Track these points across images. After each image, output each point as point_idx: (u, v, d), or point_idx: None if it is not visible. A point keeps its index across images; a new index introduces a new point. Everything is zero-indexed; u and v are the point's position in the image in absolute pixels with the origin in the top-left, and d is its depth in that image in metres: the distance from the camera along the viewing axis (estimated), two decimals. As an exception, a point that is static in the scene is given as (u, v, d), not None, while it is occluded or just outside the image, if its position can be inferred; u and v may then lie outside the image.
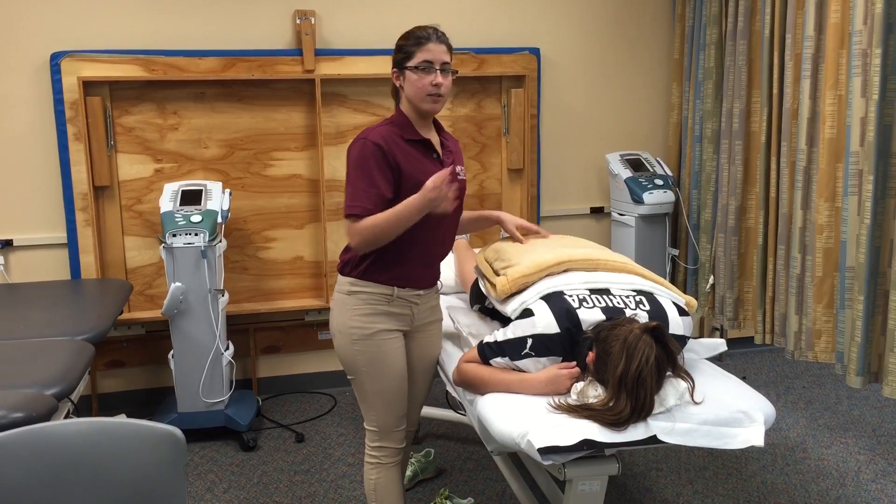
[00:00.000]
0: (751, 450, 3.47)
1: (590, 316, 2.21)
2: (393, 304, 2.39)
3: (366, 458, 2.51)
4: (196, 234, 3.43)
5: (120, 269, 3.91)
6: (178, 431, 1.76)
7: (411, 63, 2.31)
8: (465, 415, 3.36)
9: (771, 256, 3.73)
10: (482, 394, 2.26)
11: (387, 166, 2.27)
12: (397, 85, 2.38)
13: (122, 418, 1.83)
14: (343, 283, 2.41)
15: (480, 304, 2.78)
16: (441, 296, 3.18)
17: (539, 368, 2.22)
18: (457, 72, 2.41)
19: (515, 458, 3.11)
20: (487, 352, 2.29)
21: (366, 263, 2.36)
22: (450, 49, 2.38)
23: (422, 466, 3.30)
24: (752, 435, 2.02)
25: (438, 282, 2.57)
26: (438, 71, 2.31)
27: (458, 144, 2.58)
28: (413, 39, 2.34)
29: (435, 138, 2.44)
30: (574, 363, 2.19)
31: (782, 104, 3.59)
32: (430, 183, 2.19)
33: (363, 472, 2.56)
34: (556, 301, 2.26)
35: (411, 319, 2.46)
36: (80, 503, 1.72)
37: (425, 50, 2.31)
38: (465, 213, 2.67)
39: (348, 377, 2.46)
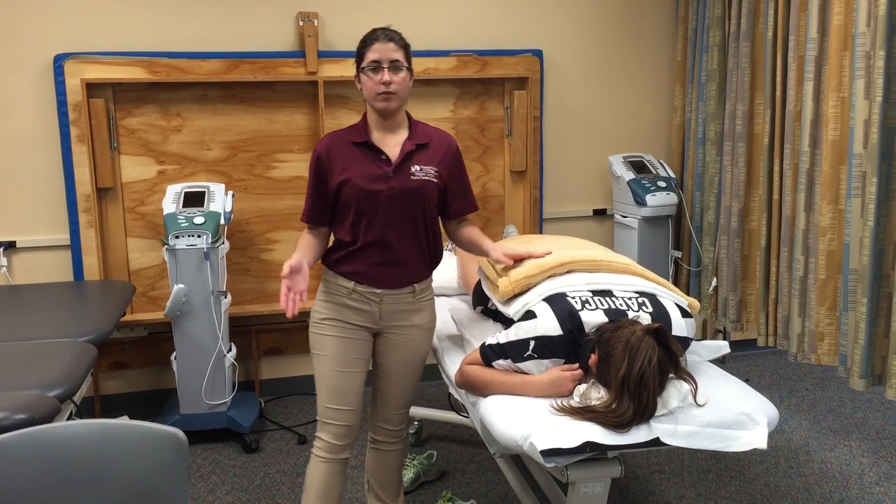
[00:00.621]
0: (754, 452, 3.45)
1: (592, 318, 2.21)
2: (351, 297, 2.45)
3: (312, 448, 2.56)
4: (199, 236, 3.44)
5: (123, 270, 3.91)
6: (180, 433, 1.76)
7: (363, 64, 2.37)
8: (467, 417, 3.36)
9: (774, 259, 3.73)
10: (484, 396, 2.26)
11: (319, 174, 2.41)
12: (358, 89, 2.43)
13: (124, 420, 1.83)
14: (324, 271, 2.53)
15: (483, 305, 2.78)
16: (444, 297, 3.19)
17: (541, 370, 2.22)
18: (410, 68, 2.41)
19: (518, 460, 3.11)
20: (490, 354, 2.29)
21: (334, 256, 2.47)
22: (403, 46, 2.39)
23: (424, 468, 3.30)
24: (755, 437, 2.02)
25: (417, 286, 2.50)
26: (386, 69, 2.33)
27: (448, 146, 2.49)
28: (362, 42, 2.40)
29: (394, 140, 2.42)
30: (576, 365, 2.19)
31: (785, 106, 3.59)
32: (286, 274, 2.26)
33: (367, 459, 2.69)
34: (558, 303, 2.25)
35: (374, 318, 2.47)
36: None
37: (373, 50, 2.36)
38: (470, 231, 2.60)
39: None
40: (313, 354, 2.50)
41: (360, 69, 2.39)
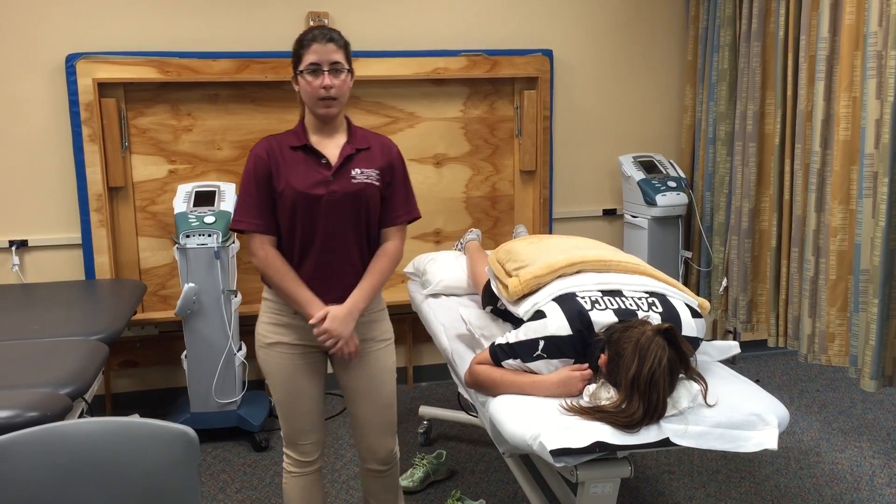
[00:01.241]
0: (764, 453, 3.45)
1: (602, 318, 2.21)
2: (296, 316, 2.34)
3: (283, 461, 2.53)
4: (209, 235, 3.45)
5: (134, 269, 3.93)
6: (191, 431, 1.76)
7: (301, 67, 2.25)
8: (476, 416, 3.36)
9: (784, 259, 3.71)
10: (494, 395, 2.26)
11: (263, 177, 2.28)
12: (296, 91, 2.31)
13: (135, 418, 1.84)
14: (265, 290, 2.42)
15: (492, 305, 2.77)
16: (454, 297, 3.20)
17: (551, 370, 2.21)
18: (351, 70, 2.29)
19: (527, 459, 3.11)
20: (499, 353, 2.29)
21: None
22: (342, 46, 2.27)
23: (433, 468, 3.30)
24: (765, 438, 2.01)
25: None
26: (326, 72, 2.22)
27: (389, 150, 2.39)
28: (300, 44, 2.26)
29: (332, 143, 2.33)
30: (586, 365, 2.18)
31: (796, 106, 3.57)
32: (320, 332, 2.26)
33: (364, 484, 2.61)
34: (568, 303, 2.25)
35: None
36: (94, 501, 1.73)
37: (311, 51, 2.23)
38: (379, 256, 2.39)
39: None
40: (269, 381, 2.41)
41: (297, 72, 2.26)
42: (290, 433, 2.45)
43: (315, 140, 2.33)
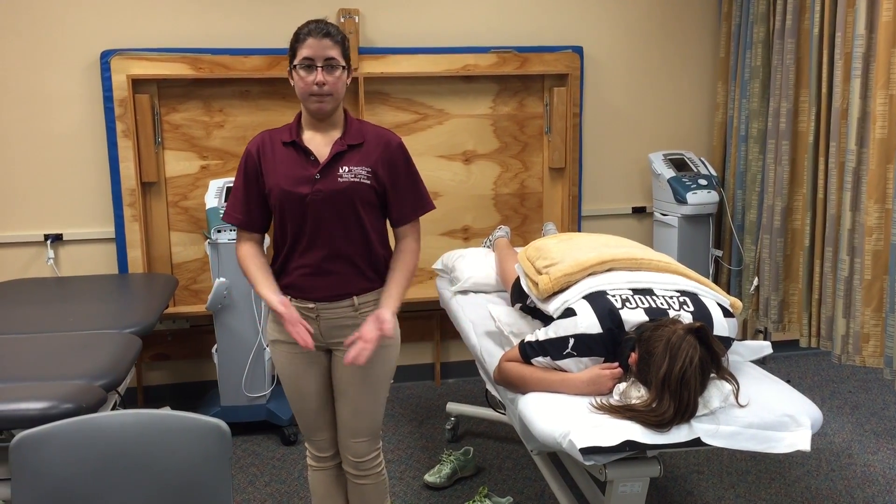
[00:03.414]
0: (795, 455, 3.41)
1: (632, 316, 2.20)
2: None
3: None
4: (240, 231, 3.47)
5: (166, 263, 3.97)
6: (223, 424, 1.78)
7: (294, 62, 2.20)
8: (504, 413, 3.36)
9: (818, 258, 3.67)
10: (523, 393, 2.26)
11: (252, 174, 2.28)
12: (292, 84, 2.25)
13: (166, 411, 1.86)
14: None
15: (522, 302, 2.77)
16: (483, 294, 3.19)
17: (581, 368, 2.21)
18: (347, 66, 2.22)
19: (555, 457, 3.10)
20: (529, 351, 2.29)
21: (273, 268, 2.34)
22: (339, 42, 2.20)
23: (461, 464, 3.30)
24: (798, 439, 1.99)
25: (353, 298, 2.29)
26: (320, 68, 2.16)
27: (386, 144, 2.30)
28: (295, 38, 2.22)
29: (325, 139, 2.26)
30: (616, 364, 2.18)
31: (831, 104, 3.53)
32: (284, 313, 2.18)
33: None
34: (598, 301, 2.24)
35: (316, 335, 2.29)
36: (127, 493, 1.76)
37: (306, 46, 2.18)
38: (399, 255, 2.36)
39: None
40: (279, 375, 2.45)
41: (292, 66, 2.21)
42: (304, 429, 2.47)
43: (308, 136, 2.27)
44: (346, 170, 2.24)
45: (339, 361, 2.33)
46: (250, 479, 3.33)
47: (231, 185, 3.65)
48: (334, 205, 2.23)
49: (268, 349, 3.62)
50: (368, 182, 2.25)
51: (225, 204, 3.52)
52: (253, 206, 2.30)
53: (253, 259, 2.31)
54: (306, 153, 2.25)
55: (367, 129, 2.32)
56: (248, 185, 2.29)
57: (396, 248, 2.37)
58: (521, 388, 2.27)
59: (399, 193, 2.33)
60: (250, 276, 2.30)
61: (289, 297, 2.28)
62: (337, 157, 2.25)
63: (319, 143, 2.27)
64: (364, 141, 2.29)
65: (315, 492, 2.53)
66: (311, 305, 2.30)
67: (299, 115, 2.31)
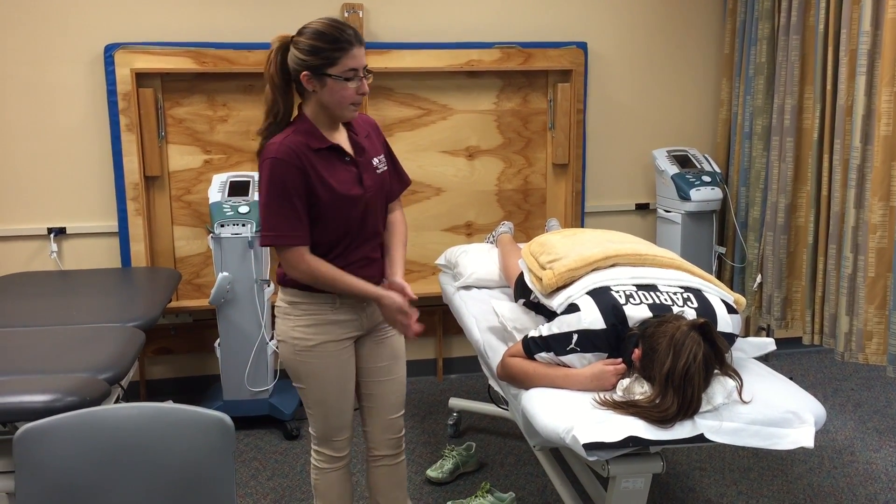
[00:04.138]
0: (797, 452, 3.41)
1: (636, 312, 2.20)
2: (337, 311, 2.30)
3: (311, 457, 2.50)
4: (243, 225, 3.48)
5: (169, 258, 3.97)
6: (227, 418, 1.78)
7: (333, 70, 2.11)
8: (506, 409, 3.36)
9: (821, 256, 3.66)
10: (526, 388, 2.26)
11: (302, 186, 2.16)
12: (309, 89, 2.17)
13: (169, 404, 1.86)
14: (284, 294, 2.33)
15: (525, 298, 2.77)
16: (486, 290, 3.19)
17: (584, 364, 2.21)
18: (371, 73, 2.22)
19: (557, 453, 3.10)
20: (532, 346, 2.29)
21: None
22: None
23: (463, 460, 3.31)
24: (801, 436, 1.99)
25: (383, 280, 2.38)
26: (363, 79, 2.16)
27: (373, 126, 2.39)
28: (334, 43, 2.12)
29: (343, 137, 2.28)
30: (620, 360, 2.18)
31: (836, 101, 3.52)
32: (396, 303, 2.25)
33: (370, 480, 2.59)
34: (602, 296, 2.24)
35: (360, 323, 2.36)
36: (131, 486, 1.76)
37: (351, 56, 2.12)
38: (389, 240, 2.42)
39: (293, 384, 2.43)
40: (304, 381, 2.36)
41: (323, 72, 2.13)
42: (326, 431, 2.42)
43: (329, 136, 2.25)
44: (376, 161, 2.33)
45: (375, 344, 2.42)
46: (253, 474, 3.33)
47: (234, 179, 3.66)
48: (379, 197, 2.33)
49: (271, 343, 3.63)
50: (386, 167, 2.37)
51: (229, 198, 3.55)
52: (306, 220, 2.20)
53: (332, 267, 2.23)
54: (341, 154, 2.25)
55: (356, 119, 2.35)
56: (298, 201, 2.17)
57: (389, 221, 2.43)
58: (525, 383, 2.27)
59: (390, 171, 2.41)
60: (342, 281, 2.23)
61: (337, 294, 2.29)
62: (360, 152, 2.29)
63: (342, 142, 2.28)
64: (367, 132, 2.36)
65: (326, 495, 2.49)
66: None
67: (307, 120, 2.22)
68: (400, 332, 2.36)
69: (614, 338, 2.19)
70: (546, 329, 2.28)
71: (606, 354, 2.21)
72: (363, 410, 2.52)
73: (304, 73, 2.14)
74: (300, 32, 2.19)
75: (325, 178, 2.18)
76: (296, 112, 2.27)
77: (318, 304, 2.29)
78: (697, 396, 1.99)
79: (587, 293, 2.27)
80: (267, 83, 2.20)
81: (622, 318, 2.19)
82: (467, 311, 3.03)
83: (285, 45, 2.19)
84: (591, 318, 2.20)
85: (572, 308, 2.26)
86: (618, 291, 2.25)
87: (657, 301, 2.23)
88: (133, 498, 1.76)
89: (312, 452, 2.49)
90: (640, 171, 4.46)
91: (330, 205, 2.20)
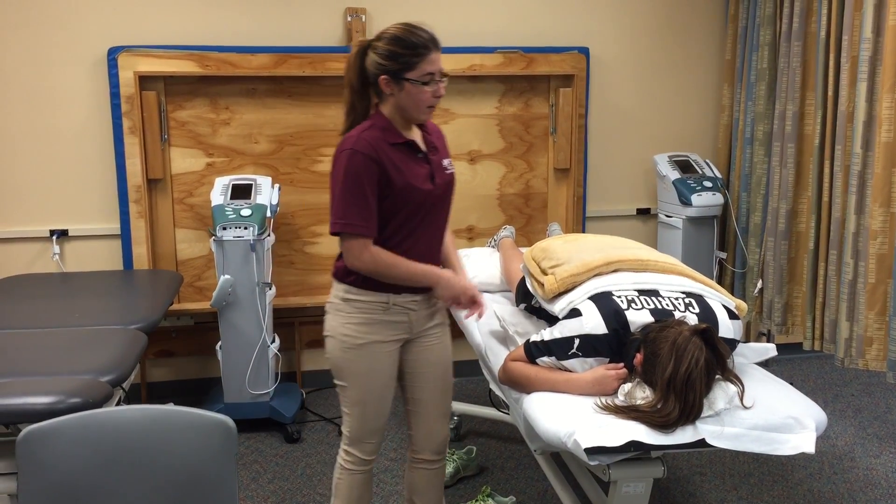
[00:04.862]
0: (797, 457, 3.41)
1: (638, 317, 2.20)
2: (389, 312, 2.31)
3: (338, 456, 2.49)
4: (245, 228, 3.48)
5: (171, 260, 3.98)
6: (229, 421, 1.79)
7: (411, 75, 2.18)
8: (507, 413, 3.36)
9: (822, 261, 3.67)
10: (528, 393, 2.26)
11: (376, 178, 2.19)
12: (387, 92, 2.22)
13: (171, 407, 1.87)
14: (338, 289, 2.34)
15: (527, 302, 2.78)
16: (487, 294, 3.19)
17: (586, 368, 2.21)
18: (448, 76, 2.28)
19: (558, 457, 3.11)
20: (534, 351, 2.29)
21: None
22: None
23: (463, 463, 3.31)
24: (803, 441, 2.00)
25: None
26: (440, 82, 2.22)
27: (441, 133, 2.46)
28: (411, 49, 2.19)
29: (418, 136, 2.33)
30: (622, 364, 2.18)
31: (837, 107, 3.53)
32: (460, 282, 2.31)
33: (407, 478, 2.60)
34: (604, 301, 2.25)
35: (410, 326, 2.37)
36: (133, 487, 1.77)
37: (428, 61, 2.19)
38: (447, 255, 2.49)
39: (334, 381, 2.43)
40: (347, 379, 2.37)
41: (402, 76, 2.19)
42: (361, 432, 2.41)
43: (405, 134, 2.31)
44: (448, 162, 2.38)
45: (423, 349, 2.44)
46: (253, 476, 3.34)
47: (237, 182, 3.67)
48: (444, 198, 2.36)
49: (272, 346, 3.63)
50: (454, 171, 2.42)
51: (231, 201, 3.56)
52: (375, 213, 2.22)
53: (393, 254, 2.25)
54: (415, 150, 2.29)
55: (428, 123, 2.42)
56: (370, 192, 2.19)
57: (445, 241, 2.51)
58: (526, 387, 2.28)
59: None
60: (404, 267, 2.25)
61: (390, 294, 2.30)
62: (433, 151, 2.34)
63: (417, 140, 2.33)
64: (433, 132, 2.41)
65: (346, 497, 2.47)
66: (417, 298, 2.35)
67: (384, 117, 2.26)
68: (459, 310, 2.37)
69: (616, 343, 2.19)
70: (548, 333, 2.29)
71: (608, 359, 2.21)
72: (409, 414, 2.53)
73: (383, 76, 2.21)
74: (379, 37, 2.25)
75: (400, 168, 2.22)
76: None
77: (372, 302, 2.30)
78: (699, 401, 2.00)
79: (589, 298, 2.28)
80: (346, 86, 2.29)
81: (624, 323, 2.19)
82: (469, 315, 3.03)
83: (364, 49, 2.26)
84: (592, 322, 2.20)
85: (574, 313, 2.26)
86: (620, 296, 2.26)
87: (659, 306, 2.24)
88: (135, 500, 1.76)
89: (341, 452, 2.47)
90: (641, 176, 4.46)
91: (400, 195, 2.23)
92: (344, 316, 2.33)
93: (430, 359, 2.46)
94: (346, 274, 2.30)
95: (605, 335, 2.19)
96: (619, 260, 2.43)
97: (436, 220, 2.36)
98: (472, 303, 2.34)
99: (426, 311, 2.41)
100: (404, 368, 2.45)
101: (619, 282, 2.34)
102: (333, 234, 2.24)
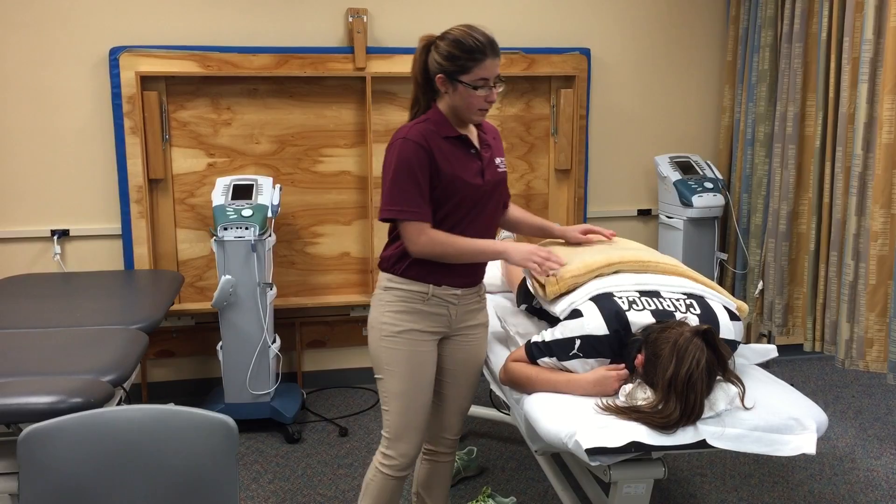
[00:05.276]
0: (798, 458, 3.41)
1: (639, 318, 2.20)
2: (428, 302, 2.34)
3: (374, 458, 2.47)
4: (246, 228, 3.49)
5: (172, 260, 3.98)
6: (230, 420, 1.79)
7: (465, 78, 2.23)
8: (508, 414, 3.37)
9: (823, 263, 3.67)
10: (529, 393, 2.26)
11: (427, 166, 2.24)
12: (442, 90, 2.29)
13: (172, 407, 1.87)
14: (381, 278, 2.40)
15: (528, 303, 2.78)
16: (488, 295, 3.20)
17: (587, 369, 2.21)
18: (504, 81, 2.33)
19: (558, 458, 3.11)
20: (535, 351, 2.29)
21: (409, 261, 2.32)
22: (500, 55, 2.29)
23: (464, 464, 3.31)
24: (803, 442, 1.99)
25: (482, 283, 2.50)
26: (493, 88, 2.26)
27: (498, 133, 2.51)
28: (468, 53, 2.22)
29: (472, 132, 2.38)
30: (622, 365, 2.18)
31: (838, 108, 3.53)
32: (538, 254, 2.32)
33: (416, 471, 2.62)
34: (605, 302, 2.25)
35: (449, 321, 2.40)
36: (134, 487, 1.76)
37: (483, 67, 2.22)
38: (523, 214, 2.66)
39: (375, 376, 2.43)
40: (385, 370, 2.37)
41: (456, 78, 2.23)
42: (402, 428, 2.38)
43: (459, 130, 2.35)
44: (499, 161, 2.42)
45: (458, 346, 2.46)
46: (254, 477, 3.34)
47: (238, 183, 3.67)
48: (493, 195, 2.39)
49: (273, 347, 3.63)
50: (506, 170, 2.46)
51: (232, 201, 3.56)
52: (428, 199, 2.27)
53: (450, 234, 2.29)
54: (467, 145, 2.33)
55: (485, 123, 2.46)
56: (423, 179, 2.25)
57: (511, 209, 2.65)
58: (527, 388, 2.28)
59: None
60: (463, 244, 2.29)
61: (431, 285, 2.33)
62: (486, 148, 2.38)
63: (471, 136, 2.37)
64: (488, 132, 2.44)
65: (375, 498, 2.44)
66: (457, 292, 2.38)
67: (441, 113, 2.32)
68: (536, 273, 2.36)
69: (617, 344, 2.19)
70: (549, 334, 2.29)
71: (609, 360, 2.21)
72: (431, 409, 2.53)
73: (440, 75, 2.27)
74: (442, 37, 2.29)
75: (449, 160, 2.27)
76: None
77: (412, 291, 2.34)
78: (700, 402, 2.00)
79: (590, 299, 2.28)
80: (412, 80, 2.36)
81: (625, 324, 2.19)
82: (470, 315, 3.03)
83: (428, 46, 2.31)
84: (593, 323, 2.20)
85: (575, 314, 2.26)
86: (621, 297, 2.26)
87: (660, 307, 2.24)
88: (136, 499, 1.76)
89: (378, 455, 2.44)
90: (642, 177, 4.47)
91: (450, 186, 2.26)
92: (384, 305, 2.37)
93: (465, 358, 2.49)
94: (392, 264, 2.36)
95: (605, 336, 2.19)
96: (619, 261, 2.43)
97: (483, 215, 2.39)
98: (546, 259, 2.33)
99: (468, 308, 2.44)
100: (442, 363, 2.48)
101: (621, 283, 2.34)
102: (383, 220, 2.29)
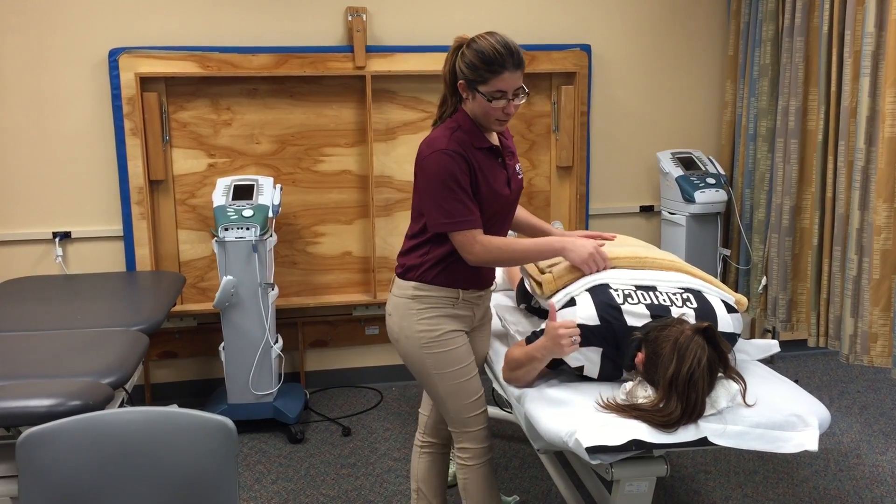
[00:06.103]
0: (802, 455, 3.40)
1: (633, 311, 2.19)
2: (457, 306, 2.39)
3: (454, 460, 2.51)
4: (248, 229, 3.48)
5: (173, 261, 3.98)
6: (230, 422, 1.78)
7: (483, 88, 2.23)
8: (510, 412, 3.36)
9: (826, 258, 3.65)
10: (521, 378, 2.27)
11: (467, 172, 2.26)
12: (463, 96, 2.30)
13: (173, 408, 1.86)
14: (405, 287, 2.39)
15: (527, 303, 2.77)
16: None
17: (580, 358, 2.21)
18: (528, 92, 2.31)
19: (561, 456, 3.10)
20: (532, 339, 2.30)
21: (438, 268, 2.35)
22: (523, 66, 2.27)
23: (467, 463, 3.30)
24: (806, 439, 1.98)
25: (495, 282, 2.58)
26: (512, 100, 2.25)
27: (510, 134, 2.54)
28: (487, 65, 2.20)
29: (495, 138, 2.41)
30: (575, 324, 2.16)
31: (840, 102, 3.51)
32: (598, 258, 2.35)
33: (415, 465, 2.64)
34: (599, 294, 2.24)
35: (472, 320, 2.47)
36: (134, 490, 1.76)
37: (501, 79, 2.21)
38: (525, 216, 2.67)
39: (420, 382, 2.46)
40: (434, 374, 2.39)
41: (477, 89, 2.24)
42: (466, 416, 2.41)
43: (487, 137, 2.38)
44: (518, 167, 2.47)
45: (478, 341, 2.55)
46: (257, 477, 3.34)
47: (239, 183, 3.67)
48: (516, 202, 2.48)
49: (275, 347, 3.63)
50: (522, 175, 2.52)
51: (233, 202, 3.56)
52: (475, 206, 2.30)
53: (502, 238, 2.36)
54: (497, 155, 2.37)
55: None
56: (466, 185, 2.27)
57: (523, 212, 2.67)
58: (518, 371, 2.30)
59: None
60: (519, 245, 2.34)
61: (460, 290, 2.38)
62: (510, 156, 2.43)
63: (498, 146, 2.40)
64: (508, 136, 2.49)
65: (475, 496, 2.47)
66: (481, 293, 2.46)
67: (469, 119, 2.32)
68: (588, 271, 2.36)
69: (610, 335, 2.18)
70: (545, 324, 2.28)
71: (602, 349, 2.20)
72: (428, 397, 2.59)
73: (461, 81, 2.28)
74: (469, 44, 2.27)
75: (486, 174, 2.31)
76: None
77: (443, 297, 2.37)
78: (701, 400, 1.99)
79: (586, 290, 2.28)
80: (442, 79, 2.37)
81: (618, 316, 2.18)
82: (471, 314, 3.03)
83: (459, 48, 2.30)
84: (586, 313, 2.20)
85: (570, 303, 2.26)
86: (616, 290, 2.25)
87: (656, 301, 2.23)
88: (135, 502, 1.76)
89: (456, 456, 2.47)
90: (644, 173, 4.45)
91: (486, 200, 2.31)
92: (416, 313, 2.37)
93: (475, 350, 2.53)
94: (420, 272, 2.37)
95: (597, 326, 2.18)
96: (616, 257, 2.42)
97: (506, 222, 2.47)
98: (605, 267, 2.36)
99: (484, 306, 2.53)
100: None
101: (618, 277, 2.33)
102: (437, 231, 2.30)
